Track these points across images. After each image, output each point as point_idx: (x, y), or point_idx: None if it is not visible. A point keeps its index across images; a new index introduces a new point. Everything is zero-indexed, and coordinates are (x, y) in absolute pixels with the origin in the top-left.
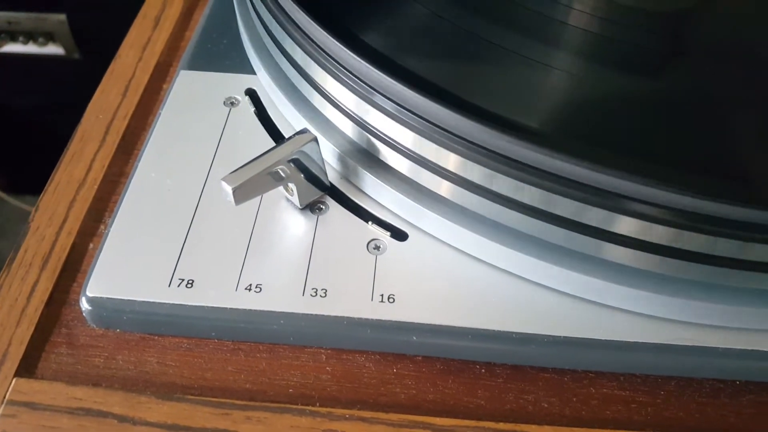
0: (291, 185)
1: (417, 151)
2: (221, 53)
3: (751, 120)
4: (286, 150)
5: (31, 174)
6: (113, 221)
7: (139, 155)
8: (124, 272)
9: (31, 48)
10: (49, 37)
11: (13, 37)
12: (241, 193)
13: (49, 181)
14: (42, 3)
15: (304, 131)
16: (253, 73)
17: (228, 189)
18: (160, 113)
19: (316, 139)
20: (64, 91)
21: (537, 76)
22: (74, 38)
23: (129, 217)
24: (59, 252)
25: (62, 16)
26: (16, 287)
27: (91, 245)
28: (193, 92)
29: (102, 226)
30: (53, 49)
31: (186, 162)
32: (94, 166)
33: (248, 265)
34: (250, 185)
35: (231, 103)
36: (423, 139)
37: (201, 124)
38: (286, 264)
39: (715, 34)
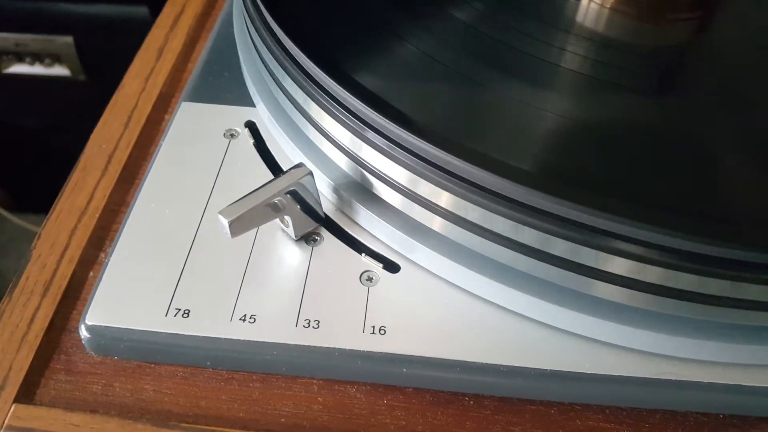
0: (286, 217)
1: (409, 187)
2: (222, 86)
3: (739, 160)
4: (282, 184)
5: (34, 193)
6: (113, 251)
7: (140, 186)
8: (123, 301)
9: (37, 69)
10: (56, 59)
11: (20, 57)
12: (237, 226)
13: (51, 210)
14: (49, 25)
15: (300, 165)
16: (253, 105)
17: (224, 222)
18: (161, 144)
19: (311, 174)
20: (69, 112)
21: (528, 116)
22: (80, 60)
23: (128, 247)
24: (60, 280)
25: (69, 39)
26: (17, 314)
27: (92, 273)
28: (194, 124)
29: (102, 255)
30: (59, 70)
31: (185, 193)
32: (96, 195)
33: (243, 296)
34: (246, 218)
35: (231, 135)
36: (415, 176)
37: (201, 156)
38: (281, 295)
39: (704, 72)
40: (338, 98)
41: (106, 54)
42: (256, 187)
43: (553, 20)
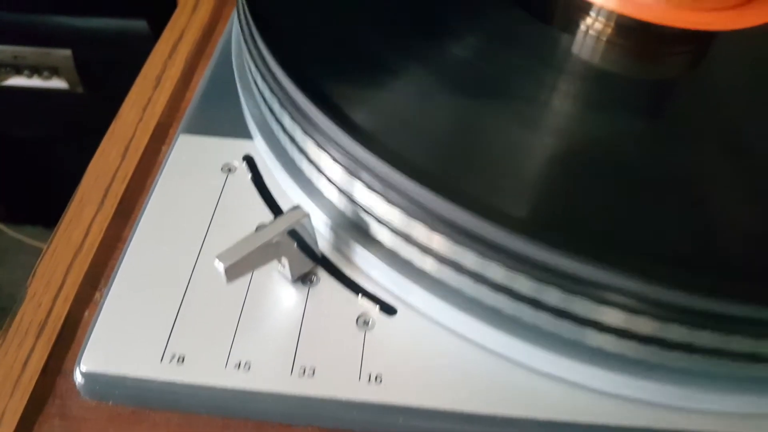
0: (283, 259)
1: (402, 229)
2: (221, 117)
3: (737, 206)
4: (278, 227)
5: (30, 204)
6: (107, 293)
7: (136, 223)
8: (118, 346)
9: (35, 81)
10: (54, 71)
11: (18, 70)
12: (233, 272)
13: (47, 245)
14: (48, 38)
15: (296, 207)
16: (252, 138)
17: (220, 268)
18: (157, 179)
19: (308, 216)
20: (67, 124)
21: (524, 158)
22: (79, 73)
23: (123, 290)
24: (55, 320)
25: (67, 52)
26: (11, 355)
27: (87, 313)
28: (191, 158)
29: (98, 294)
30: (57, 83)
31: (181, 231)
32: (92, 230)
33: (238, 341)
34: (243, 263)
35: (228, 169)
36: (408, 218)
37: (198, 191)
38: (276, 340)
39: (705, 111)
40: (332, 136)
41: (105, 67)
42: (253, 231)
43: (550, 54)
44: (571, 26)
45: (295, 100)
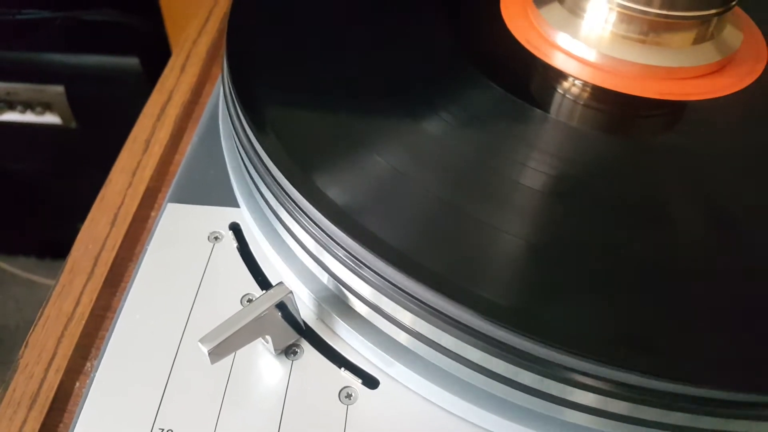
0: (267, 336)
1: (378, 305)
2: (208, 184)
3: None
4: (261, 307)
5: (23, 236)
6: (98, 367)
7: (125, 294)
8: (108, 420)
9: (28, 117)
10: (47, 107)
11: (11, 106)
12: (217, 354)
13: (38, 315)
14: (41, 75)
15: (279, 284)
16: (239, 206)
17: (204, 350)
18: (146, 249)
19: (291, 293)
20: (61, 158)
21: (497, 241)
22: (71, 108)
23: (113, 364)
24: (47, 391)
25: (60, 88)
26: (4, 427)
27: (78, 384)
28: (179, 227)
29: (88, 364)
30: (50, 118)
31: (169, 303)
32: (83, 300)
33: (224, 416)
34: (225, 345)
35: (215, 238)
36: (382, 296)
37: (185, 261)
38: (260, 416)
39: (681, 186)
40: (307, 213)
41: (97, 102)
42: (238, 304)
43: (525, 128)
44: (547, 96)
45: (274, 175)
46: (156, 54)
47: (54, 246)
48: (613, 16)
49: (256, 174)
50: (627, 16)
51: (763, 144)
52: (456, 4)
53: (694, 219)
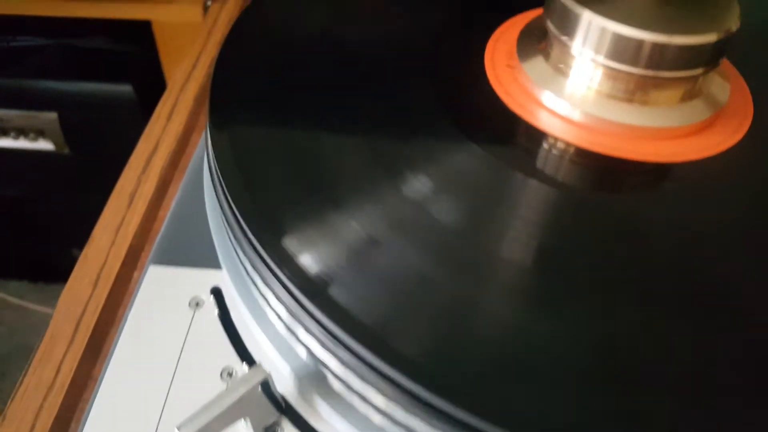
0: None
1: (354, 387)
2: (191, 243)
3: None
4: (237, 392)
5: (15, 261)
6: None
7: (106, 363)
8: None
9: (21, 143)
10: (40, 133)
11: (4, 132)
12: None
13: (17, 385)
14: (34, 102)
15: (256, 367)
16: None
17: None
18: (127, 315)
19: (269, 376)
20: (53, 184)
21: (478, 325)
22: (64, 135)
23: None
24: None
25: (53, 115)
26: None
27: None
28: (161, 291)
29: None
30: (43, 144)
31: (149, 373)
32: (63, 368)
33: None
34: (203, 431)
35: (196, 303)
36: (354, 376)
37: (166, 328)
38: None
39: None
40: (280, 279)
41: (90, 129)
42: (214, 397)
43: (508, 192)
44: (529, 158)
45: (249, 237)
46: (149, 82)
47: (47, 271)
48: (598, 75)
49: (233, 236)
50: (612, 75)
51: (754, 206)
52: (438, 55)
53: (683, 293)
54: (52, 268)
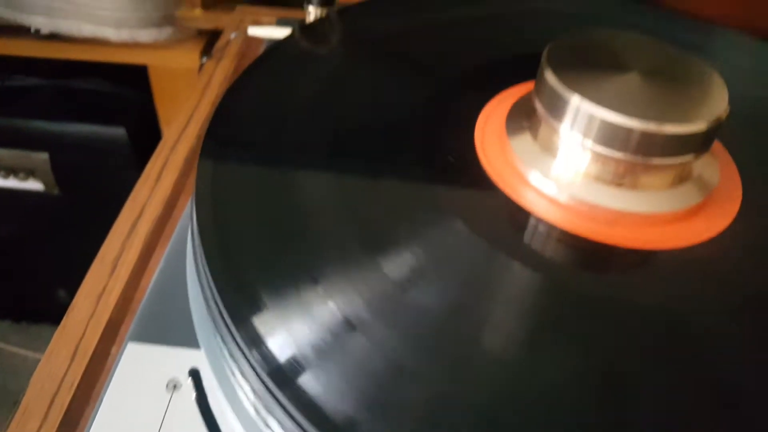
0: None
1: None
2: (172, 320)
3: None
4: None
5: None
6: None
7: None
8: None
9: (11, 182)
10: (31, 173)
11: None
12: None
13: None
14: (26, 141)
15: None
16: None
17: None
18: (103, 395)
19: None
20: (41, 224)
21: (459, 423)
22: (55, 175)
23: None
24: None
25: (45, 155)
26: None
27: None
28: (138, 370)
29: None
30: (33, 184)
31: None
32: None
33: None
34: None
35: (174, 385)
36: None
37: (142, 413)
38: None
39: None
40: (250, 361)
41: (81, 170)
42: None
43: (489, 278)
44: (515, 240)
45: (224, 316)
46: (143, 125)
47: (31, 311)
48: (586, 158)
49: (210, 312)
50: (601, 159)
51: (746, 296)
52: (427, 128)
53: (671, 382)
54: (37, 309)
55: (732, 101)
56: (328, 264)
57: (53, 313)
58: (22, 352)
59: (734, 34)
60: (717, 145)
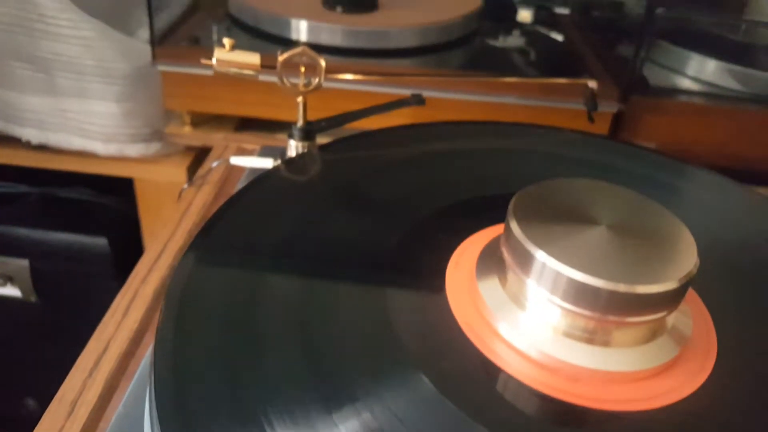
0: None
1: None
2: None
3: None
4: None
5: None
6: None
7: None
8: None
9: None
10: (9, 279)
11: None
12: None
13: None
14: (6, 248)
15: None
16: None
17: None
18: None
19: None
20: (16, 332)
21: None
22: (33, 283)
23: None
24: None
25: (24, 262)
26: None
27: None
28: None
29: None
30: (11, 290)
31: None
32: None
33: None
34: None
35: None
36: None
37: None
38: None
39: None
40: None
41: (61, 279)
42: None
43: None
44: (484, 397)
45: None
46: (125, 236)
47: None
48: (556, 313)
49: None
50: (571, 315)
51: None
52: (398, 271)
53: None
54: (3, 418)
55: (700, 242)
56: (285, 420)
57: (19, 423)
58: None
59: (705, 173)
60: (688, 292)
